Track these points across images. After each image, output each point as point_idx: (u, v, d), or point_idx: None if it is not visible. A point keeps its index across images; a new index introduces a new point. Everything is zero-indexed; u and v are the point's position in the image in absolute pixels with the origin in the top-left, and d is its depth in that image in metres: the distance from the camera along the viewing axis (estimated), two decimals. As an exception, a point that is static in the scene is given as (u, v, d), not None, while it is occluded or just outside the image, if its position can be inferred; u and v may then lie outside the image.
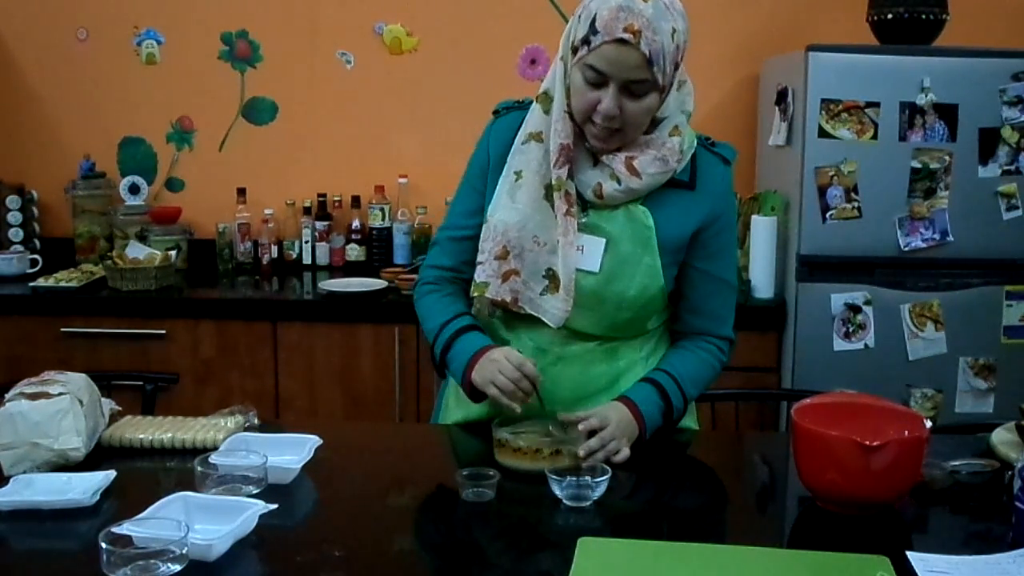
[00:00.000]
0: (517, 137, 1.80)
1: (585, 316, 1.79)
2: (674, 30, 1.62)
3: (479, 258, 1.81)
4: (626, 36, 1.58)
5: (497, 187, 1.81)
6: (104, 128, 3.73)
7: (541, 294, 1.78)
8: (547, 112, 1.75)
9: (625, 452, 1.69)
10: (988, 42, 3.28)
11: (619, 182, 1.72)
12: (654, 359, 1.87)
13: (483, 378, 1.73)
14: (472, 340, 1.80)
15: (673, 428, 1.87)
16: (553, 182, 1.74)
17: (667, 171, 1.73)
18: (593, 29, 1.61)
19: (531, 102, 1.80)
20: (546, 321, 1.78)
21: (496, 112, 1.90)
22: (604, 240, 1.76)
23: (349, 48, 3.66)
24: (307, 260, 3.65)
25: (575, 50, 1.65)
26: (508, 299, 1.80)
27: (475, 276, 1.82)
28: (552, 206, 1.75)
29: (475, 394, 1.79)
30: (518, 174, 1.78)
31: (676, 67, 1.67)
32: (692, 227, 1.78)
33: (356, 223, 3.64)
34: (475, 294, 1.82)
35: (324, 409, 3.18)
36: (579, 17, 1.66)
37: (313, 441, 1.70)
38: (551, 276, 1.77)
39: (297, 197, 3.67)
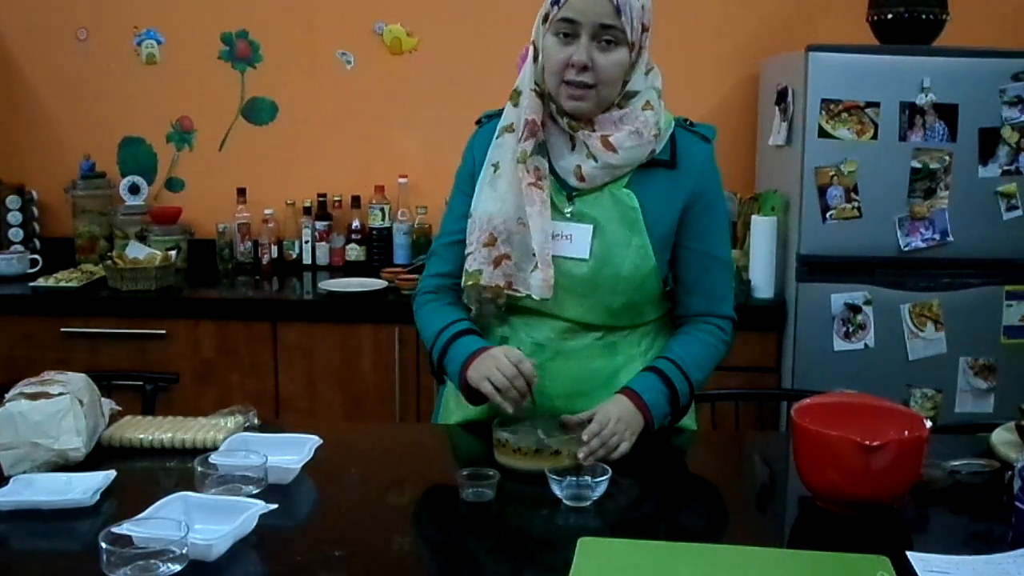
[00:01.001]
0: (494, 135, 1.84)
1: (580, 304, 1.80)
2: None
3: (468, 250, 1.83)
4: None
5: (478, 183, 1.84)
6: (104, 128, 3.73)
7: (531, 272, 1.79)
8: (516, 105, 1.81)
9: (623, 447, 1.70)
10: (988, 42, 3.28)
11: (596, 160, 1.75)
12: (652, 354, 1.87)
13: (479, 374, 1.73)
14: (469, 342, 1.81)
15: (682, 415, 1.87)
16: (518, 154, 1.76)
17: (643, 144, 1.75)
18: None
19: None
20: (532, 295, 1.79)
21: (479, 122, 1.94)
22: (591, 227, 1.78)
23: (349, 48, 3.66)
24: (307, 260, 3.65)
25: (546, 17, 1.73)
26: (501, 283, 1.80)
27: (465, 267, 1.83)
28: None
29: (471, 395, 1.78)
30: (495, 166, 1.82)
31: (644, 30, 1.72)
32: (678, 206, 1.80)
33: (356, 223, 3.64)
34: (468, 283, 1.82)
35: (324, 409, 3.18)
36: None
37: (313, 441, 1.70)
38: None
39: (297, 197, 3.67)
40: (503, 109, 1.87)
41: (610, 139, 1.74)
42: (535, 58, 1.77)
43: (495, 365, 1.71)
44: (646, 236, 1.77)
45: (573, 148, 1.78)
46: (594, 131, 1.75)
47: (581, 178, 1.77)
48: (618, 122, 1.75)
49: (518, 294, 1.81)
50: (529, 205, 1.76)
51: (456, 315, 1.87)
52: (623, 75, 1.73)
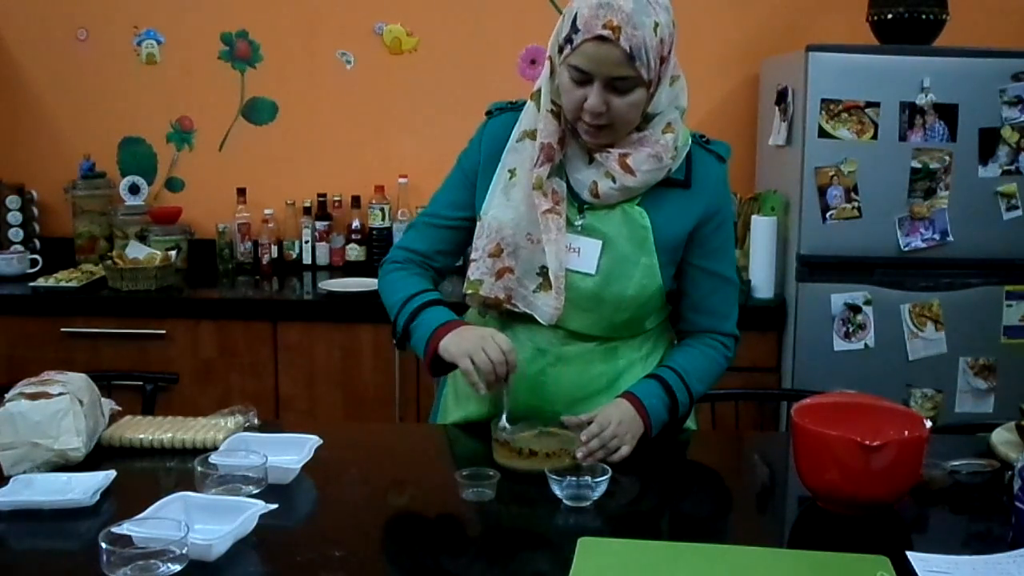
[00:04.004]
0: (512, 135, 1.80)
1: (583, 317, 1.79)
2: (656, 24, 1.61)
3: (472, 256, 1.82)
4: (605, 33, 1.58)
5: (491, 185, 1.81)
6: (104, 128, 3.73)
7: (534, 291, 1.78)
8: (540, 110, 1.76)
9: (624, 450, 1.69)
10: (988, 42, 3.28)
11: (614, 180, 1.72)
12: (654, 358, 1.87)
13: (460, 348, 1.68)
14: (443, 313, 1.77)
15: (680, 426, 1.87)
16: (533, 180, 1.74)
17: (661, 168, 1.73)
18: (575, 27, 1.62)
19: (524, 103, 1.81)
20: (538, 318, 1.78)
21: (489, 113, 1.90)
22: (600, 242, 1.76)
23: (349, 48, 3.66)
24: (307, 260, 3.65)
25: (561, 49, 1.67)
26: (501, 296, 1.79)
27: (468, 274, 1.82)
28: None
29: (436, 365, 1.74)
30: (512, 172, 1.79)
31: (663, 61, 1.66)
32: (689, 225, 1.78)
33: (356, 223, 3.64)
34: (468, 291, 1.82)
35: (324, 409, 3.18)
36: (564, 16, 1.67)
37: (313, 441, 1.70)
38: (544, 274, 1.76)
39: (297, 197, 3.67)
40: (514, 102, 1.85)
41: (628, 160, 1.71)
42: (551, 74, 1.73)
43: (482, 347, 1.66)
44: (655, 255, 1.76)
45: (591, 162, 1.75)
46: (613, 149, 1.72)
47: (596, 195, 1.74)
48: (638, 144, 1.71)
49: (517, 309, 1.80)
50: (545, 232, 1.73)
51: (428, 285, 1.85)
52: (641, 110, 1.69)
